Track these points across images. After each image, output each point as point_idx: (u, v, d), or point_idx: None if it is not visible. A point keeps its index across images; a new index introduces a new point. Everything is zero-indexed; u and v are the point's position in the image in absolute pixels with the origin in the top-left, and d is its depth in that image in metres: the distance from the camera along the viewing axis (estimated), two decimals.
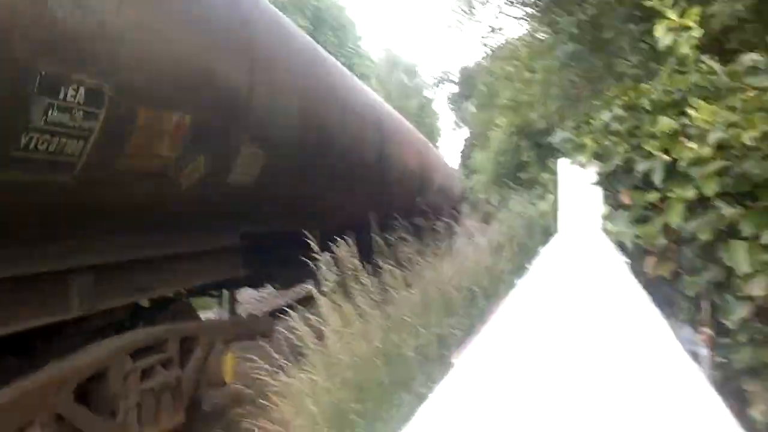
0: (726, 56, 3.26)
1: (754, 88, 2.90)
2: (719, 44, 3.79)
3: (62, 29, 2.89)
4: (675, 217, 2.79)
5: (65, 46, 2.94)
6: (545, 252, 2.15)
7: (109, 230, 4.13)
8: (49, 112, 2.90)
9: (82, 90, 3.04)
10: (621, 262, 1.66)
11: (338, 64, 8.97)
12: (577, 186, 3.17)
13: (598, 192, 3.11)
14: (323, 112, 6.88)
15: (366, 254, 6.52)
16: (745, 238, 2.66)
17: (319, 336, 5.11)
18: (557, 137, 3.59)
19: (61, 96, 2.94)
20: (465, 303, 5.94)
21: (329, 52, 8.85)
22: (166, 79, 3.86)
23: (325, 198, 7.53)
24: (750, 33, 3.82)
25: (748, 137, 2.64)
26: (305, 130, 6.25)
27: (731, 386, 2.79)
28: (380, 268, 6.55)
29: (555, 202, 3.39)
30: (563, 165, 3.28)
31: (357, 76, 11.51)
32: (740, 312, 2.69)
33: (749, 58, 3.17)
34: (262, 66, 5.21)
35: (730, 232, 2.73)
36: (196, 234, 5.20)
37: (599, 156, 3.11)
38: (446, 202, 19.09)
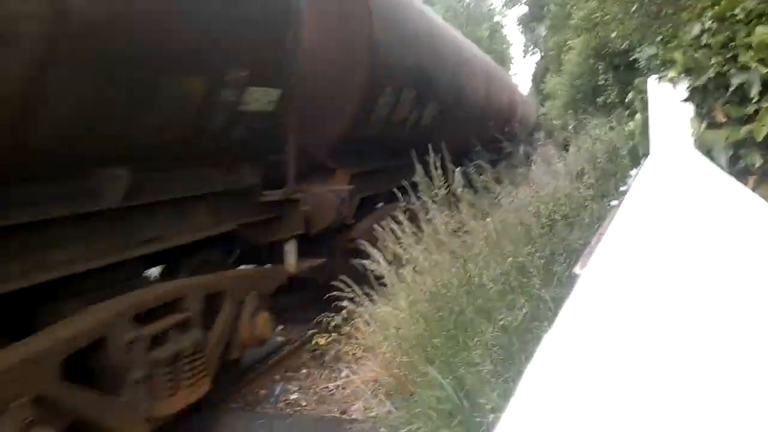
0: None
1: None
2: None
3: None
4: (765, 127, 2.67)
5: None
6: (641, 173, 2.09)
7: None
8: None
9: None
10: (728, 177, 1.60)
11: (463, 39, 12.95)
12: (668, 104, 3.05)
13: (690, 109, 2.99)
14: (461, 79, 10.80)
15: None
16: None
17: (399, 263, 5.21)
18: (644, 54, 3.45)
19: None
20: (544, 231, 5.87)
21: None
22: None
23: (457, 131, 10.92)
24: None
25: None
26: (454, 91, 10.16)
27: None
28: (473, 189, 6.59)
29: (644, 122, 3.28)
30: (652, 83, 3.16)
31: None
32: None
33: None
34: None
35: None
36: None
37: (690, 70, 2.98)
38: (524, 130, 19.32)
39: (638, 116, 3.38)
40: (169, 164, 4.24)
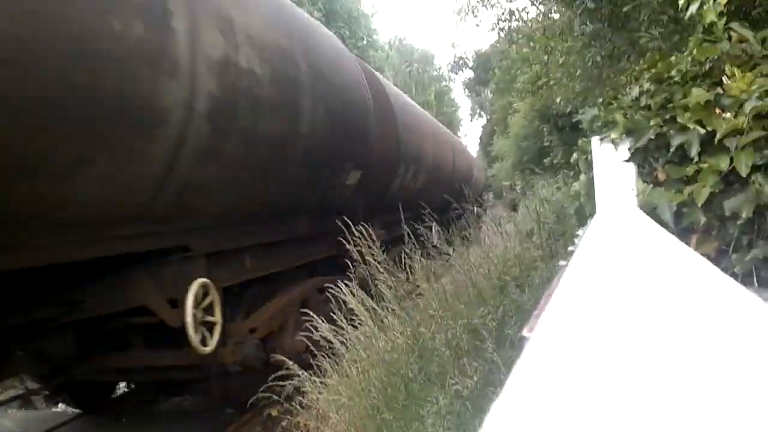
0: (755, 22, 3.14)
1: None
2: (746, 10, 3.66)
3: None
4: (704, 189, 2.70)
5: None
6: (588, 232, 2.07)
7: None
8: None
9: None
10: (671, 236, 1.58)
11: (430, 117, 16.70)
12: (611, 164, 3.08)
13: (632, 169, 3.02)
14: (440, 155, 14.04)
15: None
16: None
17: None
18: (587, 115, 3.50)
19: None
20: (495, 293, 5.84)
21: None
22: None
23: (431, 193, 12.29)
24: None
25: None
26: (434, 164, 13.02)
27: None
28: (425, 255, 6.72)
29: (588, 182, 3.30)
30: (595, 143, 3.19)
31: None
32: None
33: None
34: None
35: None
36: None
37: (631, 131, 3.02)
38: (476, 192, 20.04)
39: (582, 177, 3.40)
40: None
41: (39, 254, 3.58)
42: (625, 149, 3.03)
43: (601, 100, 3.49)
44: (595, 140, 3.16)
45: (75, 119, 3.14)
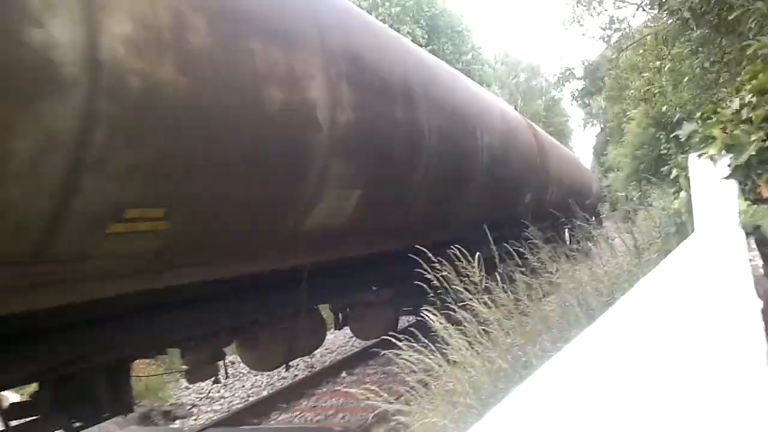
0: None
1: None
2: None
3: None
4: None
5: None
6: (678, 252, 1.99)
7: None
8: None
9: None
10: (747, 265, 1.49)
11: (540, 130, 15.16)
12: (710, 181, 2.93)
13: (733, 186, 2.87)
14: (568, 175, 16.34)
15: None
16: None
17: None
18: (685, 130, 3.35)
19: None
20: (605, 309, 5.64)
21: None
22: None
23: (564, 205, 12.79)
24: None
25: None
26: (567, 184, 15.80)
27: None
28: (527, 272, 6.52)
29: (689, 199, 3.16)
30: (694, 159, 3.05)
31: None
32: None
33: None
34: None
35: None
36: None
37: (730, 147, 2.87)
38: (592, 203, 20.13)
39: (683, 194, 3.26)
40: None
41: None
42: (724, 165, 2.89)
43: (699, 114, 3.33)
44: (692, 156, 3.02)
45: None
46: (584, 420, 0.60)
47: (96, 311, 3.64)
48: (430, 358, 4.77)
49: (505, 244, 6.50)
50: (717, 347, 0.75)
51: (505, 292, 5.88)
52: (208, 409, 7.52)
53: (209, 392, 7.95)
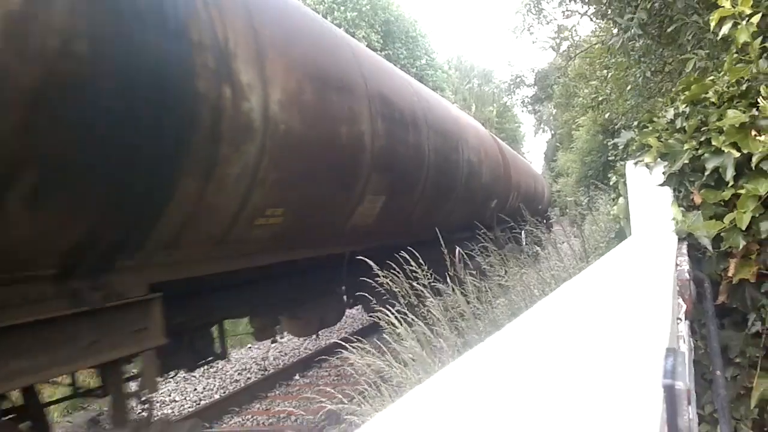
0: None
1: None
2: None
3: None
4: (746, 215, 2.64)
5: None
6: (606, 257, 2.07)
7: None
8: None
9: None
10: (671, 270, 1.57)
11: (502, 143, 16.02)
12: (646, 188, 3.05)
13: (668, 193, 2.98)
14: (525, 182, 17.19)
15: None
16: None
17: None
18: (623, 138, 3.47)
19: None
20: None
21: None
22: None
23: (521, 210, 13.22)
24: None
25: None
26: (524, 190, 16.76)
27: None
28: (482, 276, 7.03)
29: (626, 205, 3.27)
30: (630, 167, 3.16)
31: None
32: None
33: None
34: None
35: None
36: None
37: (665, 155, 2.98)
38: (543, 208, 20.63)
39: (621, 200, 3.37)
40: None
41: None
42: (659, 173, 3.00)
43: (636, 122, 3.46)
44: (629, 164, 3.13)
45: None
46: (484, 411, 0.64)
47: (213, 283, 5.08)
48: (381, 360, 4.86)
49: (468, 243, 8.11)
50: (621, 348, 0.80)
51: (464, 294, 6.03)
52: (159, 413, 7.40)
53: (160, 395, 7.83)
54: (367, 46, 19.27)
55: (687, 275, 1.80)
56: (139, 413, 4.20)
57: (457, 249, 6.82)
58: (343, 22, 24.98)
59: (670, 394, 0.62)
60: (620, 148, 3.54)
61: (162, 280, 3.95)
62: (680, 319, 1.44)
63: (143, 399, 4.10)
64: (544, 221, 20.16)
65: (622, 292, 1.24)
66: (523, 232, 10.76)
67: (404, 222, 7.42)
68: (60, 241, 3.02)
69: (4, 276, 2.91)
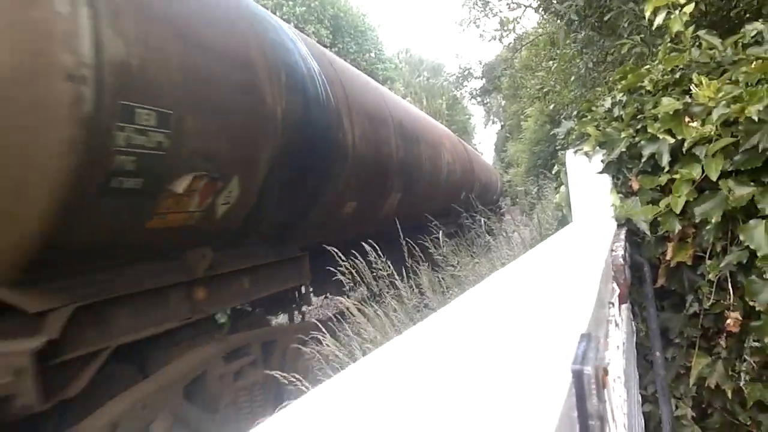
0: (720, 29, 3.15)
1: (758, 58, 2.79)
2: (723, 15, 3.67)
3: None
4: (680, 199, 2.71)
5: None
6: (543, 244, 2.10)
7: None
8: None
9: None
10: (603, 253, 1.60)
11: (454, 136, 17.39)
12: (585, 176, 3.10)
13: (607, 180, 3.04)
14: (481, 173, 18.37)
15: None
16: (765, 217, 2.57)
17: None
18: (563, 128, 3.52)
19: None
20: None
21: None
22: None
23: (483, 199, 16.22)
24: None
25: (754, 110, 2.53)
26: (482, 182, 17.93)
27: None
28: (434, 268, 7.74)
29: (568, 194, 3.32)
30: (570, 156, 3.21)
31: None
32: None
33: (752, 27, 3.06)
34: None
35: (749, 212, 2.64)
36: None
37: (603, 144, 3.04)
38: (494, 197, 21.40)
39: (563, 188, 3.42)
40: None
41: None
42: (598, 161, 3.06)
43: (575, 111, 3.51)
44: (569, 153, 3.18)
45: None
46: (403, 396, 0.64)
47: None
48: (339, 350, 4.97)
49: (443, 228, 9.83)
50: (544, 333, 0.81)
51: (417, 287, 6.12)
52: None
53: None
54: (317, 41, 19.15)
55: (621, 260, 1.83)
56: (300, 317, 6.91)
57: (441, 232, 8.55)
58: (292, 18, 24.74)
59: (578, 378, 0.63)
60: (560, 137, 3.59)
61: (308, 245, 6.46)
62: (612, 303, 1.46)
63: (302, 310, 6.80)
64: (497, 210, 20.49)
65: (549, 278, 1.25)
66: (482, 220, 11.10)
67: (413, 212, 10.01)
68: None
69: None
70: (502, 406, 0.56)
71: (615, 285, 1.73)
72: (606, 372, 1.06)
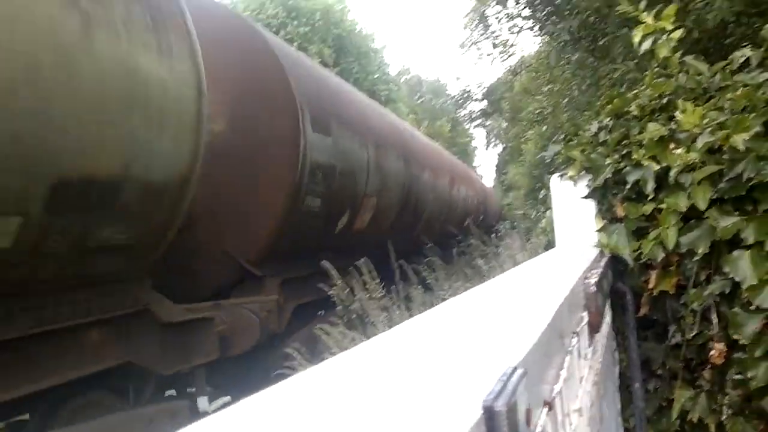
0: (714, 56, 3.12)
1: (745, 85, 2.75)
2: (716, 42, 3.64)
3: None
4: (670, 231, 2.66)
5: None
6: (515, 269, 2.05)
7: None
8: None
9: None
10: (572, 281, 1.55)
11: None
12: (570, 201, 3.05)
13: (591, 205, 2.99)
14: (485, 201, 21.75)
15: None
16: (748, 246, 2.52)
17: None
18: (550, 152, 3.49)
19: None
20: None
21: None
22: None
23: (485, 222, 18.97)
24: (744, 28, 3.67)
25: (740, 140, 2.49)
26: (484, 209, 21.36)
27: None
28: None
29: (551, 217, 3.28)
30: (555, 181, 3.17)
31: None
32: (752, 325, 2.51)
33: (740, 54, 3.03)
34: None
35: (732, 240, 2.59)
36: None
37: (588, 169, 3.00)
38: (491, 221, 22.20)
39: (548, 213, 3.38)
40: None
41: None
42: (583, 186, 3.01)
43: (563, 136, 3.48)
44: (554, 177, 3.14)
45: None
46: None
47: None
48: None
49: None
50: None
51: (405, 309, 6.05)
52: None
53: None
54: (320, 61, 19.20)
55: (595, 288, 1.77)
56: None
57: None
58: (296, 37, 24.82)
59: (489, 415, 0.59)
60: (547, 161, 3.56)
61: None
62: (576, 333, 1.40)
63: None
64: (494, 234, 20.53)
65: (499, 307, 1.21)
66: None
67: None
68: None
69: None
70: None
71: (586, 314, 1.68)
72: (550, 407, 1.00)
